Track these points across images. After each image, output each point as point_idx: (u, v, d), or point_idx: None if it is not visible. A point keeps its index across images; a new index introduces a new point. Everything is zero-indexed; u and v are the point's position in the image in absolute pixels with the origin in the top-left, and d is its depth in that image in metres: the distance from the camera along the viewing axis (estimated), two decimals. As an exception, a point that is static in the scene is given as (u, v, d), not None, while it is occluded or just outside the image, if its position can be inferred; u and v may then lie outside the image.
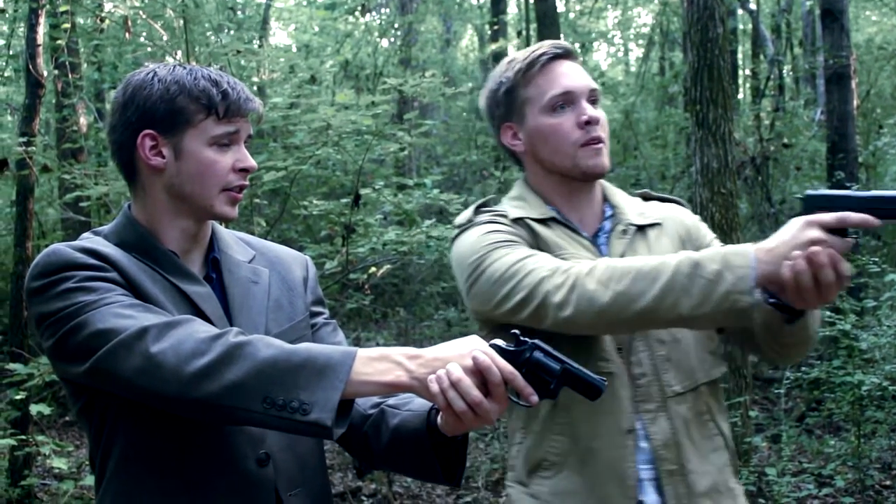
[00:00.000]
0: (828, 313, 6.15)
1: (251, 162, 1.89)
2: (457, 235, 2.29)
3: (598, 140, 2.23)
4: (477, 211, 2.31)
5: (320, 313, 2.08)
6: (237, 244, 2.03)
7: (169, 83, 1.84)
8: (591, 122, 2.22)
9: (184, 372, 1.60)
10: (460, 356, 1.64)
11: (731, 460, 2.32)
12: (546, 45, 2.28)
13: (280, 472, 1.84)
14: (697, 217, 2.42)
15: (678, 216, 2.38)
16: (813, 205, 1.93)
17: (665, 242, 2.29)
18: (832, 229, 1.88)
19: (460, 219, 2.31)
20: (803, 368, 6.52)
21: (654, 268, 1.97)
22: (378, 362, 1.64)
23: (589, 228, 2.30)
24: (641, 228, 2.29)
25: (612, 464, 2.16)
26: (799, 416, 7.39)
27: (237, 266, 1.97)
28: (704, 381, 2.24)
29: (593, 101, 2.26)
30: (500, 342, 1.69)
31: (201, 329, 1.65)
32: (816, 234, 1.87)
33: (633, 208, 2.34)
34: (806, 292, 1.88)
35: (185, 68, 1.88)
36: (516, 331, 1.71)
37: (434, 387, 1.62)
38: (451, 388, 1.62)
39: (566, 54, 2.28)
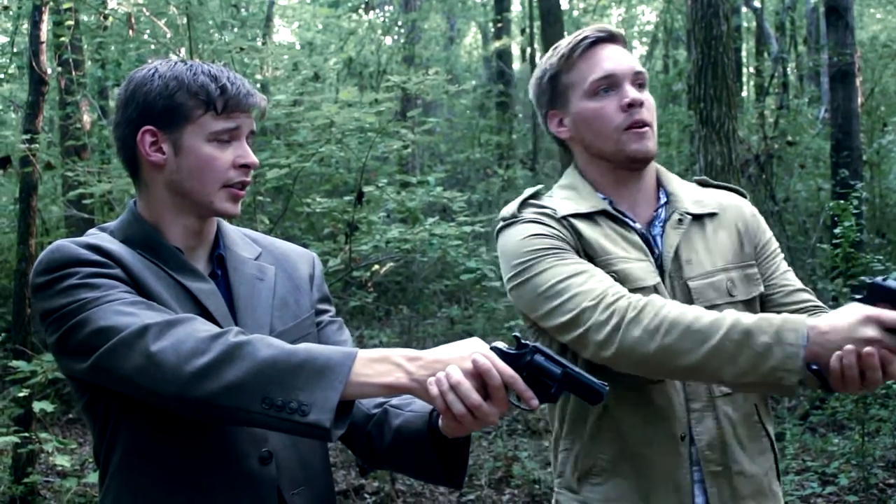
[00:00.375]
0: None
1: (252, 158, 1.87)
2: (502, 228, 2.23)
3: (643, 123, 2.17)
4: (523, 205, 2.23)
5: (326, 311, 2.07)
6: (243, 241, 2.02)
7: (168, 79, 1.84)
8: (633, 105, 2.16)
9: (183, 371, 1.59)
10: (460, 359, 1.63)
11: (776, 463, 2.28)
12: (589, 30, 2.24)
13: (283, 470, 1.84)
14: (755, 210, 2.37)
15: (737, 206, 2.33)
16: (877, 295, 1.85)
17: (723, 236, 2.25)
18: (891, 329, 1.81)
19: (506, 212, 2.24)
20: (807, 367, 6.49)
21: (705, 327, 1.89)
22: (378, 363, 1.63)
23: (642, 217, 2.24)
24: (698, 218, 2.24)
25: (666, 471, 2.12)
26: (803, 414, 7.38)
27: (243, 263, 1.96)
28: None
29: (639, 84, 2.21)
30: (501, 345, 1.67)
31: (202, 328, 1.65)
32: (874, 333, 1.80)
33: (690, 195, 2.28)
34: (849, 383, 1.84)
35: (186, 64, 1.87)
36: (517, 333, 1.69)
37: (433, 389, 1.61)
38: (450, 391, 1.60)
39: (610, 38, 2.24)
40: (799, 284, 2.28)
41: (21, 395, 5.25)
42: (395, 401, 1.90)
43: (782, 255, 2.34)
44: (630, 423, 2.14)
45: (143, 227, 1.87)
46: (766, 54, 14.07)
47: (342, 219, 6.54)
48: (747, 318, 1.89)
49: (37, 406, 4.98)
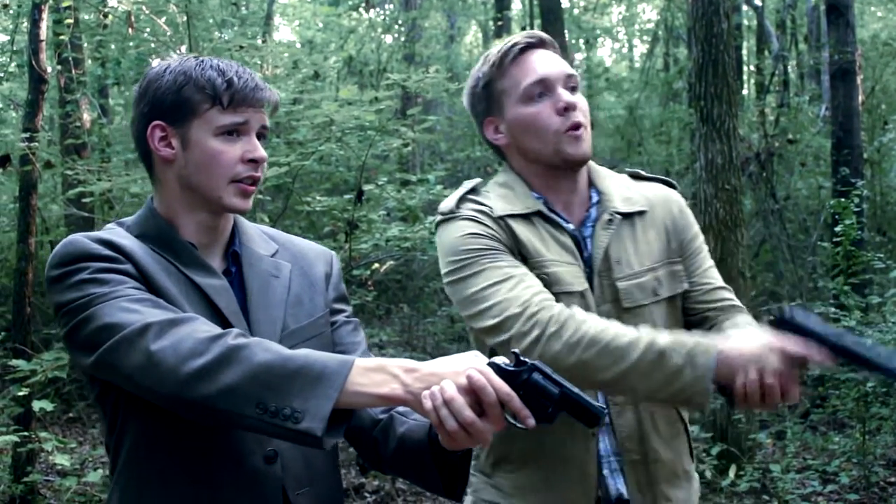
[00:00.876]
0: (833, 310, 6.14)
1: (260, 152, 1.86)
2: (440, 222, 2.27)
3: (578, 126, 2.21)
4: (462, 200, 2.27)
5: (342, 311, 2.06)
6: (260, 238, 2.02)
7: (177, 74, 1.85)
8: (569, 109, 2.20)
9: (181, 372, 1.59)
10: (455, 373, 1.60)
11: (688, 443, 2.37)
12: (519, 36, 2.27)
13: (288, 470, 1.84)
14: (684, 202, 2.40)
15: (666, 202, 2.35)
16: (785, 326, 1.97)
17: (651, 234, 2.28)
18: (793, 359, 1.92)
19: (444, 206, 2.28)
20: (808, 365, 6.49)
21: (622, 346, 1.97)
22: (375, 373, 1.61)
23: (575, 217, 2.27)
24: (628, 216, 2.27)
25: (575, 464, 2.20)
26: (803, 412, 7.37)
27: (258, 260, 1.96)
28: None
29: (572, 87, 2.24)
30: (500, 360, 1.64)
31: (202, 328, 1.64)
32: (776, 363, 1.91)
33: (620, 192, 2.31)
34: (751, 403, 1.94)
35: (197, 59, 1.88)
36: (516, 350, 1.66)
37: (427, 403, 1.58)
38: (443, 406, 1.57)
39: (540, 43, 2.26)
40: (719, 283, 2.34)
41: (21, 394, 5.24)
42: (401, 408, 1.88)
43: (706, 251, 2.39)
44: None
45: (158, 223, 1.89)
46: (766, 52, 14.05)
47: (342, 217, 6.53)
48: (662, 339, 1.98)
49: (36, 405, 4.97)
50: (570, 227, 2.25)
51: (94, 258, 1.75)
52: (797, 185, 11.89)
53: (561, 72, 2.23)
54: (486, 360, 1.63)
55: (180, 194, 1.88)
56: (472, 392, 1.58)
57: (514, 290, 2.08)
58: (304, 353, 1.62)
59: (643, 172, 2.44)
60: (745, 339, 1.98)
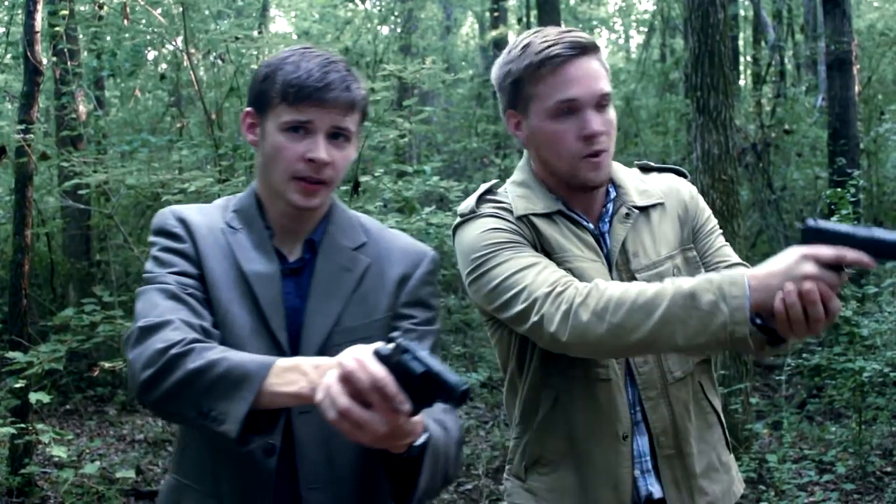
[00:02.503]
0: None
1: (319, 153, 1.86)
2: (459, 224, 2.25)
3: (599, 154, 2.14)
4: (480, 200, 2.24)
5: (410, 317, 2.00)
6: (352, 229, 2.05)
7: (267, 66, 1.94)
8: (593, 136, 2.12)
9: (139, 379, 1.71)
10: (339, 363, 1.56)
11: (724, 434, 2.35)
12: (562, 45, 2.12)
13: (303, 465, 1.87)
14: (694, 189, 2.38)
15: (677, 191, 2.33)
16: (811, 237, 1.91)
17: (667, 224, 2.28)
18: (828, 265, 1.85)
19: (463, 207, 2.26)
20: (804, 355, 6.51)
21: (650, 300, 1.92)
22: (289, 373, 1.64)
23: (593, 214, 2.26)
24: (644, 209, 2.26)
25: (608, 468, 2.18)
26: (800, 402, 7.39)
27: (336, 251, 1.99)
28: (698, 360, 2.27)
29: (603, 105, 2.14)
30: (382, 346, 1.56)
31: (168, 336, 1.73)
32: (811, 269, 1.85)
33: (635, 186, 2.29)
34: (795, 324, 1.87)
35: (295, 52, 1.93)
36: (394, 333, 1.58)
37: (319, 395, 1.56)
38: (326, 397, 1.54)
39: (582, 52, 2.13)
40: (734, 259, 2.31)
41: (17, 386, 5.24)
42: None
43: (719, 231, 2.37)
44: (576, 419, 2.20)
45: (251, 202, 2.00)
46: (763, 43, 14.04)
47: (339, 208, 6.51)
48: (688, 282, 1.93)
49: (33, 397, 4.97)
50: (591, 226, 2.24)
51: (165, 234, 1.94)
52: (794, 176, 11.90)
53: (595, 93, 2.12)
54: (368, 347, 1.57)
55: (264, 179, 1.99)
56: (348, 380, 1.53)
57: (540, 274, 2.06)
58: (232, 357, 1.68)
59: (652, 164, 2.42)
60: (775, 259, 1.91)
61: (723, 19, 6.31)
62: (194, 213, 1.97)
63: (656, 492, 2.21)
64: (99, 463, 5.50)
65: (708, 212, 2.36)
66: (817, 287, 1.83)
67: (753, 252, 10.19)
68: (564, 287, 2.01)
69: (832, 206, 6.20)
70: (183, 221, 1.94)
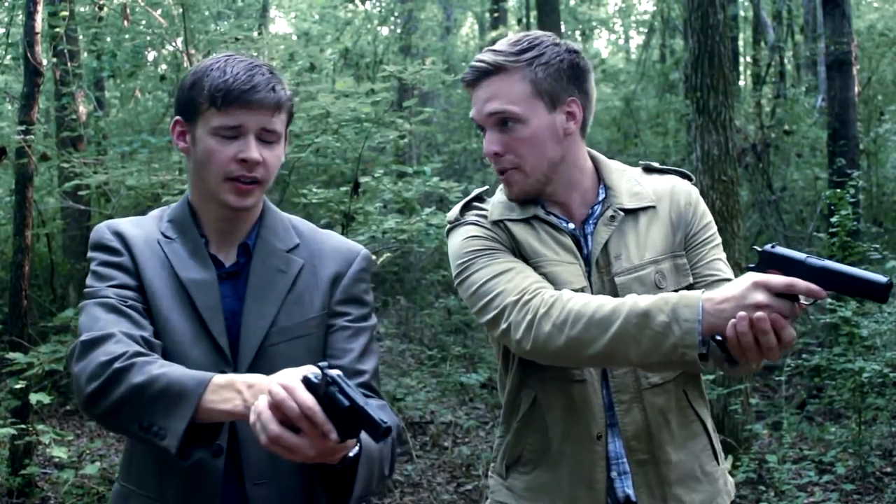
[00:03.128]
0: (829, 300, 6.15)
1: (251, 153, 1.93)
2: (448, 230, 2.33)
3: (502, 171, 2.22)
4: (465, 208, 2.32)
5: (345, 314, 2.07)
6: (285, 231, 2.10)
7: (194, 73, 1.98)
8: (488, 155, 2.22)
9: (84, 392, 1.76)
10: (269, 390, 1.62)
11: (711, 444, 2.33)
12: (470, 68, 2.25)
13: (247, 463, 1.92)
14: (696, 194, 2.36)
15: (673, 195, 2.32)
16: (766, 262, 1.93)
17: (656, 228, 2.27)
18: (779, 293, 1.86)
19: (450, 215, 2.34)
20: (804, 356, 6.52)
21: (606, 316, 1.96)
22: (225, 390, 1.70)
23: (577, 213, 2.27)
24: (632, 212, 2.26)
25: (582, 468, 2.21)
26: (800, 403, 7.39)
27: (270, 254, 2.04)
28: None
29: (503, 120, 2.19)
30: (311, 374, 1.61)
31: (110, 349, 1.78)
32: (762, 298, 1.85)
33: (629, 188, 2.29)
34: (748, 351, 1.88)
35: (219, 59, 1.98)
36: (323, 363, 1.64)
37: (251, 417, 1.63)
38: (257, 421, 1.61)
39: (483, 74, 2.22)
40: (725, 274, 2.29)
41: (18, 386, 5.24)
42: None
43: (716, 243, 2.34)
44: (553, 418, 2.24)
45: (185, 212, 2.05)
46: (762, 43, 14.04)
47: (339, 209, 6.52)
48: (645, 301, 1.96)
49: (34, 398, 4.97)
50: (570, 226, 2.26)
51: (102, 248, 1.98)
52: (793, 176, 11.91)
53: (483, 114, 2.22)
54: (301, 373, 1.62)
55: (198, 186, 2.03)
56: (278, 407, 1.60)
57: (512, 280, 2.12)
58: (171, 373, 1.73)
59: (656, 165, 2.41)
60: (730, 284, 1.93)
61: (722, 20, 6.31)
62: (130, 226, 2.01)
63: (633, 495, 2.22)
64: (99, 464, 5.49)
65: (707, 220, 2.34)
66: (769, 316, 1.84)
67: (753, 253, 10.18)
68: (532, 295, 2.07)
69: (832, 207, 6.20)
70: (119, 235, 1.98)
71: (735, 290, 1.89)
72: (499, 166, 2.22)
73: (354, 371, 2.02)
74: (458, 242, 2.26)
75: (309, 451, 1.60)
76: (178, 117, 2.01)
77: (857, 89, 9.82)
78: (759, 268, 1.93)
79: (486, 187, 2.40)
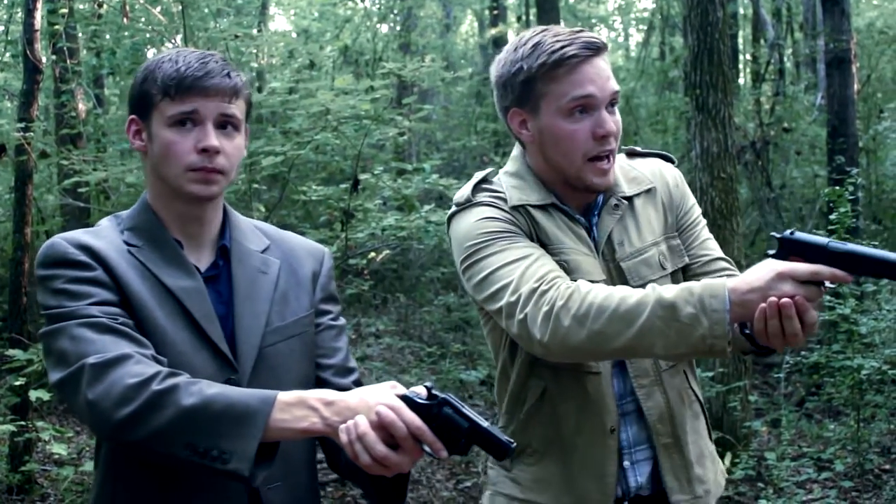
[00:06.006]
0: (828, 297, 6.15)
1: (209, 141, 1.85)
2: (455, 213, 2.25)
3: (608, 156, 2.16)
4: (476, 189, 2.25)
5: (328, 312, 2.07)
6: (252, 233, 2.04)
7: (143, 69, 1.92)
8: (607, 136, 2.13)
9: (113, 419, 1.64)
10: (368, 408, 1.63)
11: (707, 425, 2.38)
12: (577, 45, 2.10)
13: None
14: (680, 175, 2.38)
15: (664, 177, 2.34)
16: (787, 249, 1.92)
17: (652, 210, 2.29)
18: (805, 281, 1.87)
19: (458, 196, 2.26)
20: (803, 353, 6.51)
21: (631, 308, 1.92)
22: (295, 408, 1.65)
23: (582, 206, 2.27)
24: (629, 198, 2.27)
25: (593, 461, 2.20)
26: (798, 400, 7.39)
27: (248, 255, 1.98)
28: None
29: (613, 102, 2.16)
30: (413, 392, 1.64)
31: (134, 370, 1.67)
32: (789, 288, 1.86)
33: (625, 174, 2.30)
34: (774, 337, 1.89)
35: (168, 53, 1.91)
36: (428, 383, 1.67)
37: (343, 437, 1.62)
38: (357, 441, 1.61)
39: (595, 52, 2.12)
40: (717, 253, 2.33)
41: (17, 383, 5.24)
42: None
43: (704, 224, 2.37)
44: (564, 410, 2.21)
45: (149, 217, 1.93)
46: (762, 41, 14.04)
47: (338, 206, 6.53)
48: (669, 292, 1.93)
49: (33, 395, 4.97)
50: (582, 218, 2.25)
51: (68, 264, 1.81)
52: (792, 174, 11.91)
53: (608, 92, 2.13)
54: (401, 391, 1.65)
55: (157, 185, 1.93)
56: (383, 427, 1.60)
57: (530, 267, 2.06)
58: (228, 393, 1.66)
59: (639, 149, 2.42)
60: (752, 272, 1.92)
61: (722, 17, 6.31)
62: (91, 237, 1.87)
63: (645, 482, 2.23)
64: (99, 460, 5.49)
65: (692, 200, 2.37)
66: (793, 303, 1.85)
67: (752, 250, 10.19)
68: (549, 286, 2.01)
69: (831, 204, 6.20)
70: (84, 248, 1.83)
71: (760, 279, 1.88)
72: (608, 147, 2.14)
73: (346, 369, 2.03)
74: (470, 223, 2.18)
75: (406, 467, 1.63)
76: (132, 116, 1.93)
77: (856, 87, 9.82)
78: (780, 254, 1.92)
79: (491, 170, 2.33)
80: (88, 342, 1.72)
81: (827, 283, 1.88)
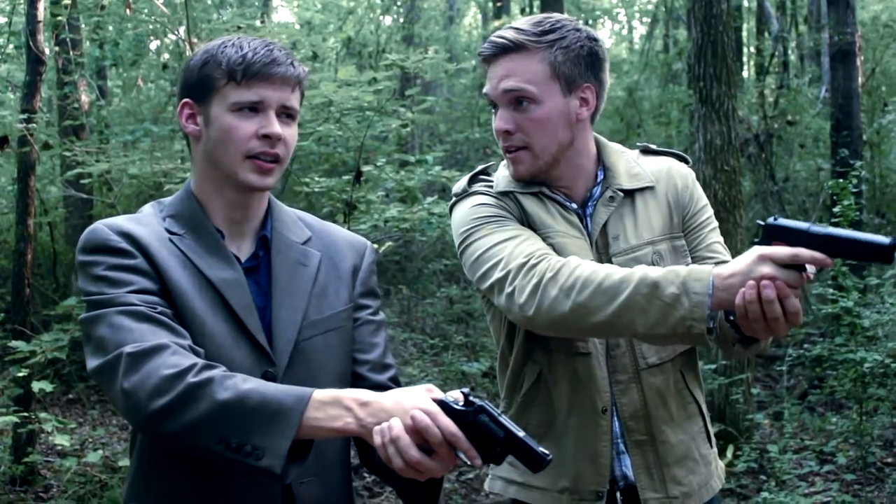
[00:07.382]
0: (831, 291, 6.15)
1: (274, 128, 1.85)
2: (454, 203, 2.34)
3: (510, 149, 2.23)
4: (472, 180, 2.33)
5: (367, 307, 2.06)
6: (294, 224, 2.03)
7: (203, 53, 1.90)
8: (498, 133, 2.23)
9: (147, 409, 1.64)
10: (404, 411, 1.60)
11: (705, 427, 2.36)
12: (488, 43, 2.24)
13: None
14: (692, 177, 2.38)
15: (670, 177, 2.34)
16: (770, 234, 1.93)
17: (654, 209, 2.29)
18: (786, 264, 1.87)
19: (457, 187, 2.35)
20: (805, 346, 6.51)
21: (615, 283, 1.96)
22: (330, 407, 1.63)
23: (578, 195, 2.29)
24: (630, 193, 2.28)
25: (587, 441, 2.22)
26: (801, 393, 7.39)
27: (288, 246, 1.97)
28: (681, 350, 2.28)
29: (518, 99, 2.19)
30: (450, 397, 1.62)
31: (170, 361, 1.67)
32: (769, 270, 1.86)
33: (627, 168, 2.31)
34: (755, 323, 1.89)
35: (228, 39, 1.91)
36: (465, 389, 1.64)
37: (377, 440, 1.60)
38: (391, 444, 1.58)
39: (502, 51, 2.21)
40: (723, 256, 2.32)
41: (20, 375, 5.25)
42: None
43: (714, 226, 2.37)
44: (557, 392, 2.25)
45: (191, 204, 1.93)
46: (766, 33, 14.02)
47: (341, 198, 6.52)
48: (655, 272, 1.96)
49: (36, 386, 4.98)
50: (574, 205, 2.27)
51: (109, 251, 1.81)
52: (796, 167, 11.89)
53: (498, 90, 2.21)
54: (438, 395, 1.63)
55: (207, 172, 1.92)
56: (418, 432, 1.58)
57: (519, 245, 2.11)
58: (263, 389, 1.65)
59: (653, 147, 2.43)
60: (738, 259, 1.94)
61: (726, 10, 6.30)
62: (133, 224, 1.87)
63: (630, 474, 2.24)
64: (101, 451, 5.51)
65: (703, 203, 2.36)
66: (773, 286, 1.85)
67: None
68: (538, 260, 2.06)
69: (834, 197, 6.19)
70: (126, 235, 1.82)
71: (742, 264, 1.90)
72: (507, 144, 2.22)
73: (382, 365, 2.02)
74: (465, 210, 2.26)
75: (439, 472, 1.61)
76: (186, 99, 1.91)
77: (860, 80, 9.79)
78: (764, 241, 1.94)
79: (492, 163, 2.39)
80: (127, 331, 1.71)
81: (809, 269, 1.89)
